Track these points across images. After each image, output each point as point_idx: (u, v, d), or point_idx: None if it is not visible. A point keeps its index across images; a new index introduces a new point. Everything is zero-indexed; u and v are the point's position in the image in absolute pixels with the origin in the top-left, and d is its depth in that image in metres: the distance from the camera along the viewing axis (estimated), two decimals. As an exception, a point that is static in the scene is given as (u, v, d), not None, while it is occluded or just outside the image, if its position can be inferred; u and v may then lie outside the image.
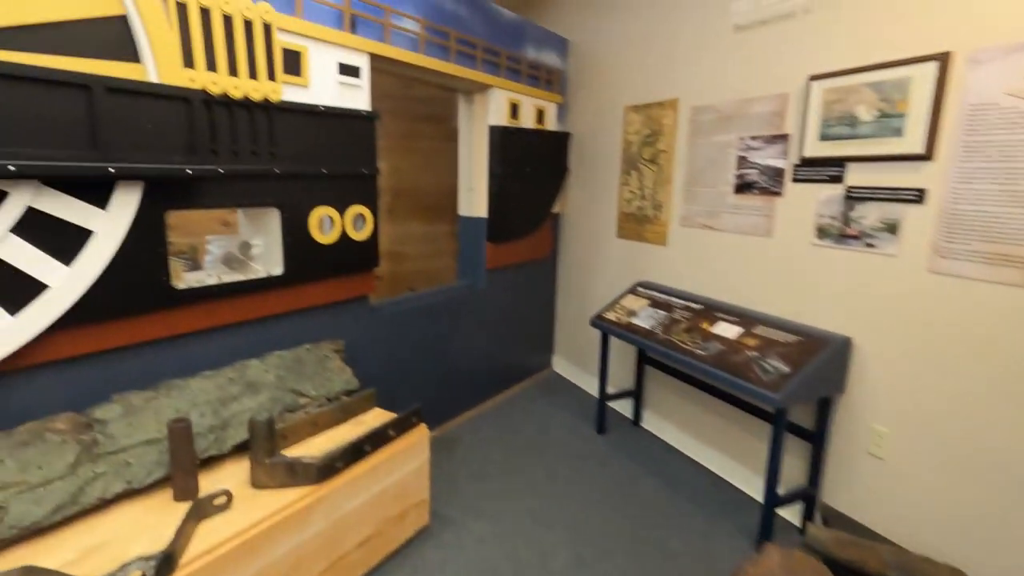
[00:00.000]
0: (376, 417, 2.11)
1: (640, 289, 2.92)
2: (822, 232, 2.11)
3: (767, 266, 2.34)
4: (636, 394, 3.08)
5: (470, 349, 3.17)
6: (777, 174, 2.26)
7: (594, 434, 3.01)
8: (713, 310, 2.49)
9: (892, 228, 1.88)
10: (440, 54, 2.56)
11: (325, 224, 2.14)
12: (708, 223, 2.61)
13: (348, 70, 2.14)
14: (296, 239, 2.04)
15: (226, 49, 1.72)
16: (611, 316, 2.81)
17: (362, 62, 2.19)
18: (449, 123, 3.92)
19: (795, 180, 2.20)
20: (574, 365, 3.74)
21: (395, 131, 3.79)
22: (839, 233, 2.05)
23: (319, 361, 2.14)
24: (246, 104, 1.81)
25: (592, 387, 3.55)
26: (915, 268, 1.83)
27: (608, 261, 3.32)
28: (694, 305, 2.58)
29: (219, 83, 1.71)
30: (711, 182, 2.58)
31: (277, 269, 2.02)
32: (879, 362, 1.96)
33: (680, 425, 2.87)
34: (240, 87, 1.77)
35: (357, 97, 2.19)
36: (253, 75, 1.81)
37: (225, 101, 1.75)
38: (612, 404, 3.34)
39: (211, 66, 1.70)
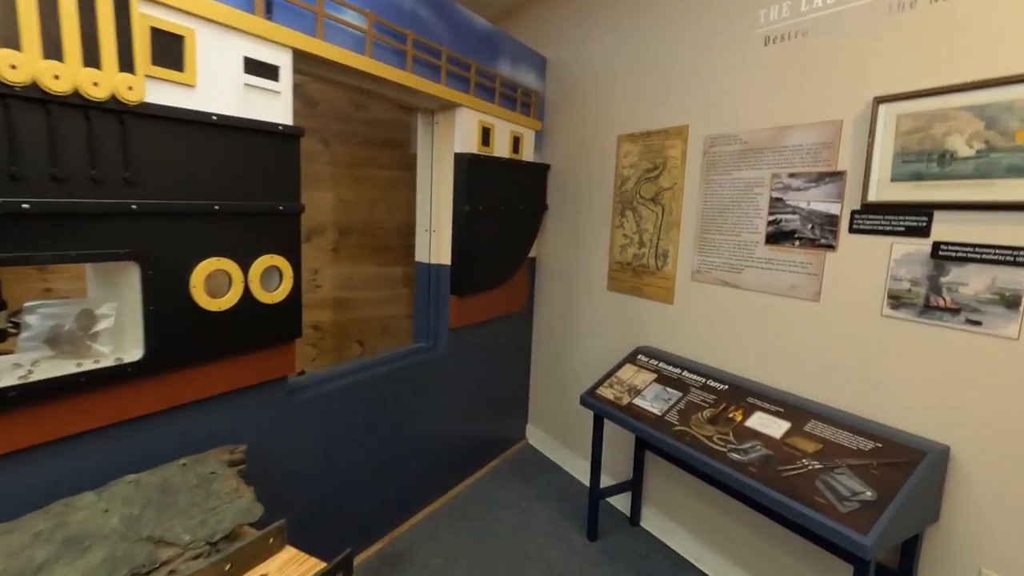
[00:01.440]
0: (286, 566, 1.43)
1: (642, 358, 2.35)
2: (897, 301, 1.59)
3: (815, 339, 1.81)
4: (635, 486, 2.47)
5: (428, 430, 2.51)
6: (829, 222, 1.75)
7: (584, 541, 2.38)
8: (743, 393, 1.93)
9: (1011, 301, 1.38)
10: (394, 60, 1.99)
11: (218, 282, 1.49)
12: (729, 279, 2.08)
13: (260, 68, 1.53)
14: (168, 306, 1.38)
15: (38, 14, 1.09)
16: (607, 393, 2.22)
17: (282, 60, 1.59)
18: (408, 149, 3.34)
19: (854, 230, 1.69)
20: (553, 438, 3.12)
21: (344, 158, 3.19)
22: (923, 304, 1.54)
23: (200, 484, 1.46)
24: (80, 104, 1.17)
25: (576, 467, 2.92)
26: (1047, 358, 1.32)
27: (596, 318, 2.75)
28: (716, 384, 2.02)
29: (22, 67, 1.07)
30: (733, 228, 2.06)
31: (135, 351, 1.36)
32: (990, 483, 1.42)
33: (692, 530, 2.27)
34: (66, 77, 1.13)
35: (273, 106, 1.57)
36: (93, 62, 1.18)
37: (38, 97, 1.12)
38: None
39: (9, 40, 1.06)
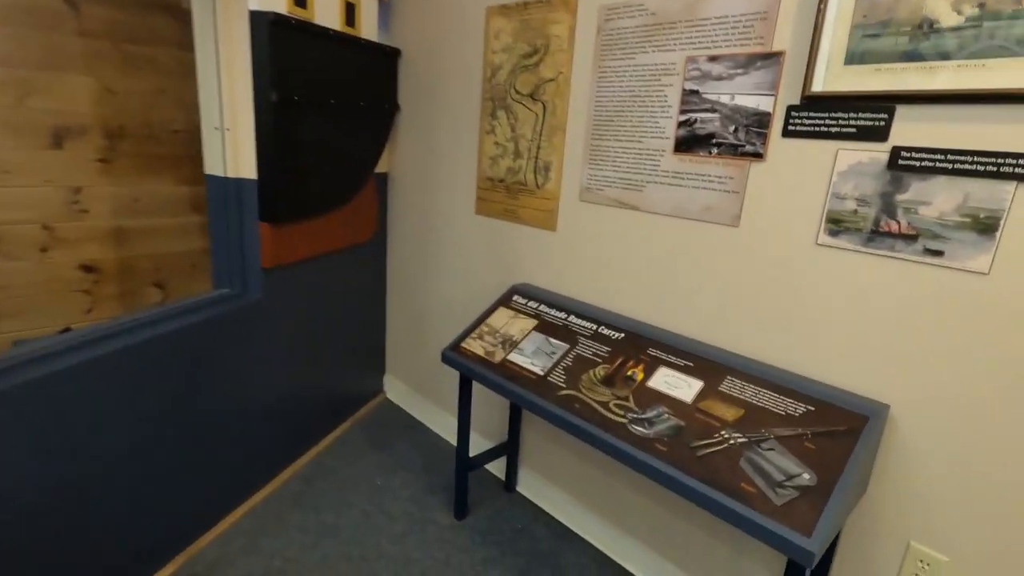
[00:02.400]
0: None
1: (518, 300, 1.88)
2: (837, 225, 1.24)
3: (731, 275, 1.45)
4: (510, 448, 2.08)
5: (243, 402, 1.87)
6: (757, 122, 1.34)
7: (452, 521, 1.96)
8: (644, 343, 1.54)
9: (984, 226, 1.07)
10: None
11: None
12: (626, 199, 1.64)
13: None
14: None
15: None
16: (476, 347, 1.74)
17: None
18: (196, 17, 2.40)
19: (790, 133, 1.29)
20: (416, 392, 2.63)
21: (104, 26, 2.19)
22: (871, 228, 1.20)
23: None
24: None
25: (443, 425, 2.48)
26: (1019, 295, 1.04)
27: (463, 249, 2.22)
28: (611, 333, 1.62)
29: None
30: (633, 133, 1.59)
31: None
32: (932, 448, 1.18)
33: (575, 494, 1.95)
34: None
35: None
36: None
37: None
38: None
39: None
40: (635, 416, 1.35)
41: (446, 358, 1.76)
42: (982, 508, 1.13)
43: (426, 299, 2.45)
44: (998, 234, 1.05)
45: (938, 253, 1.12)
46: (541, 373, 1.56)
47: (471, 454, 1.93)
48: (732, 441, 1.22)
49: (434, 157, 2.27)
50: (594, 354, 1.56)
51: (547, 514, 2.03)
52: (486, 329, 1.80)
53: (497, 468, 2.23)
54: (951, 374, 1.13)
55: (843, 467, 1.10)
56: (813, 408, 1.22)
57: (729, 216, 1.42)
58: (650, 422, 1.32)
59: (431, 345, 2.47)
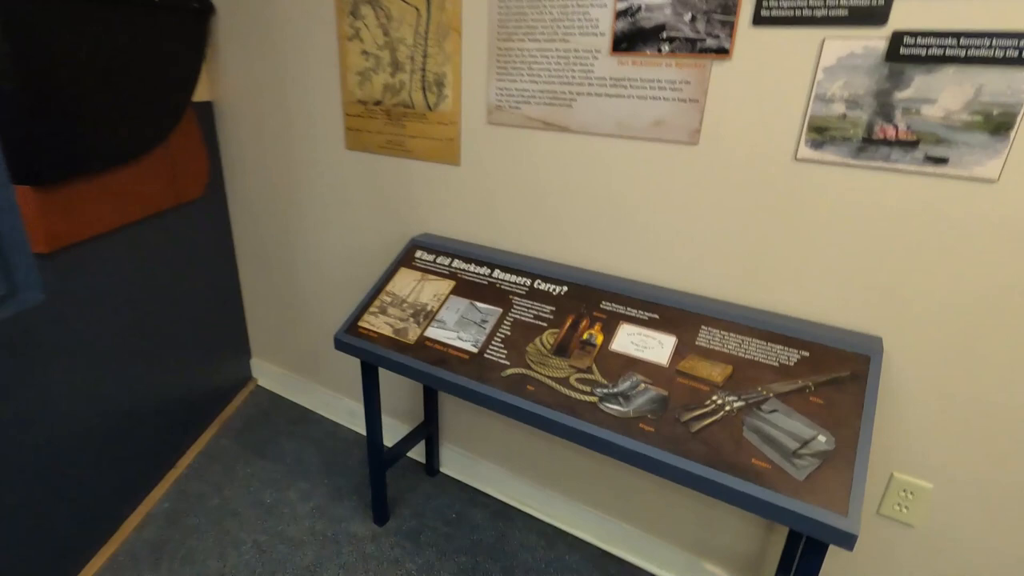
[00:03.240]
0: None
1: (423, 256, 1.49)
2: (822, 135, 1.04)
3: (691, 203, 1.21)
4: (429, 427, 1.77)
5: (51, 444, 1.31)
6: (721, 7, 1.06)
7: (372, 529, 1.63)
8: (594, 296, 1.27)
9: (997, 124, 0.91)
10: None
11: None
12: (551, 118, 1.30)
13: None
14: None
15: None
16: (379, 325, 1.35)
17: None
18: None
19: (763, 20, 1.03)
20: (296, 373, 2.16)
21: None
22: (863, 136, 1.01)
23: None
24: None
25: (338, 409, 2.08)
26: (1028, 204, 0.92)
27: (336, 196, 1.74)
28: (550, 287, 1.32)
29: None
30: (555, 29, 1.23)
31: None
32: (922, 381, 1.08)
33: (511, 465, 1.72)
34: None
35: None
36: None
37: None
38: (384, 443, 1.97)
39: None
40: (605, 391, 1.09)
41: (342, 344, 1.35)
42: (967, 432, 1.06)
43: (294, 265, 1.95)
44: (1013, 133, 0.91)
45: (941, 161, 0.96)
46: (474, 349, 1.24)
47: (386, 445, 1.58)
48: (727, 407, 1.02)
49: (278, 76, 1.70)
50: (536, 317, 1.26)
51: (481, 493, 1.78)
52: (388, 299, 1.41)
53: (416, 451, 1.92)
54: (946, 297, 1.02)
55: (859, 421, 0.95)
56: (808, 354, 1.06)
57: (686, 132, 1.16)
58: (625, 396, 1.08)
59: (310, 317, 2.00)
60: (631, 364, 1.12)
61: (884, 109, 0.98)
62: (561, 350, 1.18)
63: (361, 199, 1.69)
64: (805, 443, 0.94)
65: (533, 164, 1.36)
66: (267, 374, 2.24)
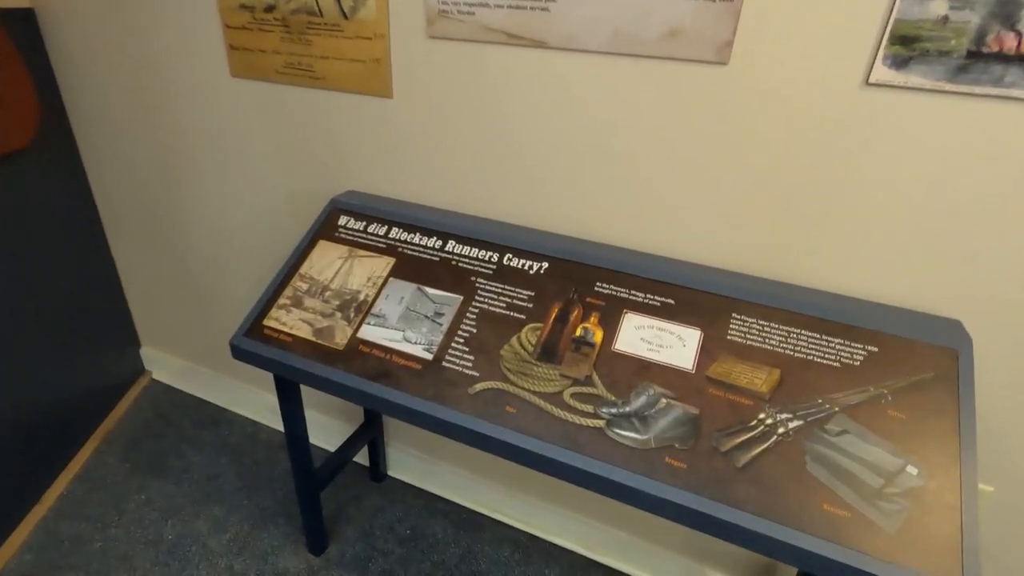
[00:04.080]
0: None
1: (349, 225, 1.11)
2: (909, 47, 0.74)
3: (721, 150, 0.89)
4: (370, 427, 1.44)
5: None
6: None
7: (308, 561, 1.33)
8: (588, 274, 0.96)
9: None
10: None
11: None
12: (521, 28, 0.93)
13: None
14: None
15: None
16: (291, 324, 0.99)
17: None
18: None
19: None
20: (202, 364, 1.76)
21: None
22: (968, 50, 0.72)
23: None
24: None
25: (258, 404, 1.71)
26: None
27: (224, 143, 1.30)
28: (527, 263, 0.99)
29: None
30: None
31: None
32: (1000, 368, 0.86)
33: (468, 464, 1.44)
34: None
35: None
36: None
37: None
38: (313, 442, 1.64)
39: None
40: (614, 411, 0.81)
41: (243, 353, 0.98)
42: (1047, 427, 0.87)
43: (184, 233, 1.50)
44: None
45: (1077, 83, 0.69)
46: (428, 355, 0.91)
47: (319, 460, 1.25)
48: (781, 428, 0.76)
49: (121, -31, 1.20)
50: (510, 306, 0.94)
51: (439, 499, 1.50)
52: (304, 286, 1.04)
53: (359, 455, 1.60)
54: (1054, 268, 0.78)
55: (956, 440, 0.71)
56: (876, 349, 0.80)
57: (712, 45, 0.83)
58: (642, 418, 0.79)
59: (212, 298, 1.59)
60: (644, 370, 0.84)
61: (1005, 9, 0.69)
62: (548, 353, 0.88)
63: (258, 146, 1.26)
64: (888, 476, 0.70)
65: (495, 95, 0.99)
66: (164, 366, 1.82)
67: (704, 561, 1.26)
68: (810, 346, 0.82)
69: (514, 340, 0.90)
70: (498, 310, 0.94)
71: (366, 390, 0.88)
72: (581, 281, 0.94)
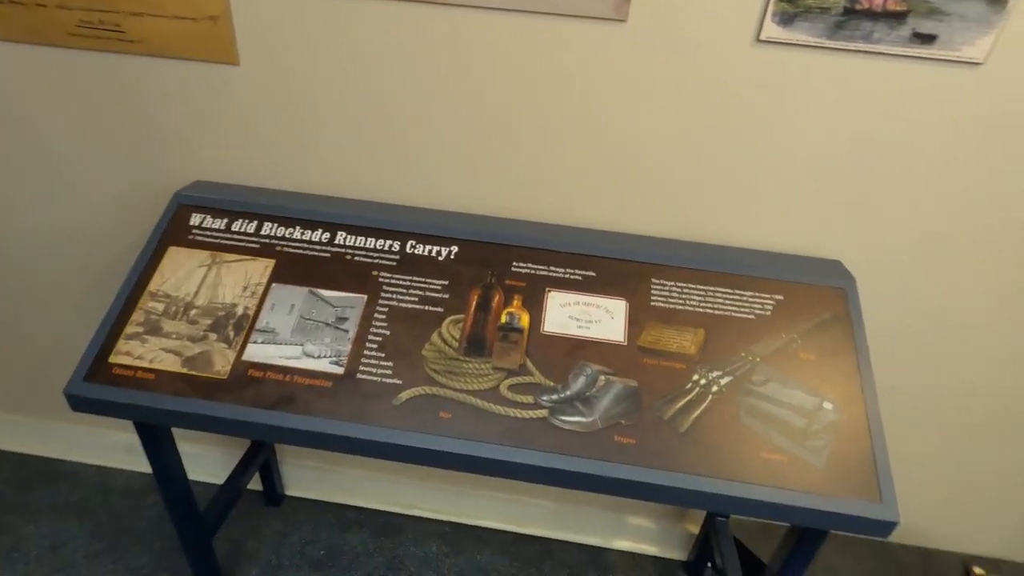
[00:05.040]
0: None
1: (206, 224, 0.91)
2: (792, 3, 0.76)
3: (622, 110, 0.86)
4: (259, 448, 1.26)
5: None
6: None
7: (209, 616, 1.15)
8: (503, 255, 0.89)
9: (1001, -13, 0.73)
10: None
11: None
12: (391, -20, 0.80)
13: None
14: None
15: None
16: (151, 356, 0.79)
17: None
18: None
19: None
20: (11, 411, 1.40)
21: None
22: (845, 6, 0.75)
23: None
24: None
25: (103, 446, 1.42)
26: (1015, 89, 0.78)
27: (7, 134, 0.99)
28: (434, 249, 0.89)
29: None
30: None
31: None
32: (889, 302, 0.97)
33: (375, 465, 1.35)
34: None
35: None
36: None
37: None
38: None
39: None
40: (556, 397, 0.77)
41: (83, 402, 0.77)
42: (916, 355, 1.01)
43: (-51, 250, 1.14)
44: (1009, 4, 0.73)
45: (928, 39, 0.77)
46: (338, 369, 0.79)
47: (204, 500, 1.07)
48: (714, 387, 0.78)
49: None
50: (423, 299, 0.85)
51: (350, 508, 1.38)
52: (157, 306, 0.84)
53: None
54: (911, 208, 0.88)
55: (858, 374, 0.79)
56: (782, 297, 0.85)
57: (611, 1, 0.79)
58: (585, 400, 0.77)
59: (27, 332, 1.25)
60: (578, 349, 0.81)
61: (874, -33, 0.73)
62: (475, 346, 0.81)
63: (60, 136, 0.98)
64: (811, 416, 0.76)
65: (369, 57, 0.86)
66: (-45, 422, 1.42)
67: (624, 511, 1.32)
68: (726, 302, 0.85)
69: (435, 337, 0.81)
70: (411, 306, 0.84)
71: (267, 422, 0.74)
72: (497, 263, 0.88)
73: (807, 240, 0.93)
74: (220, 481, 1.32)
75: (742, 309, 0.84)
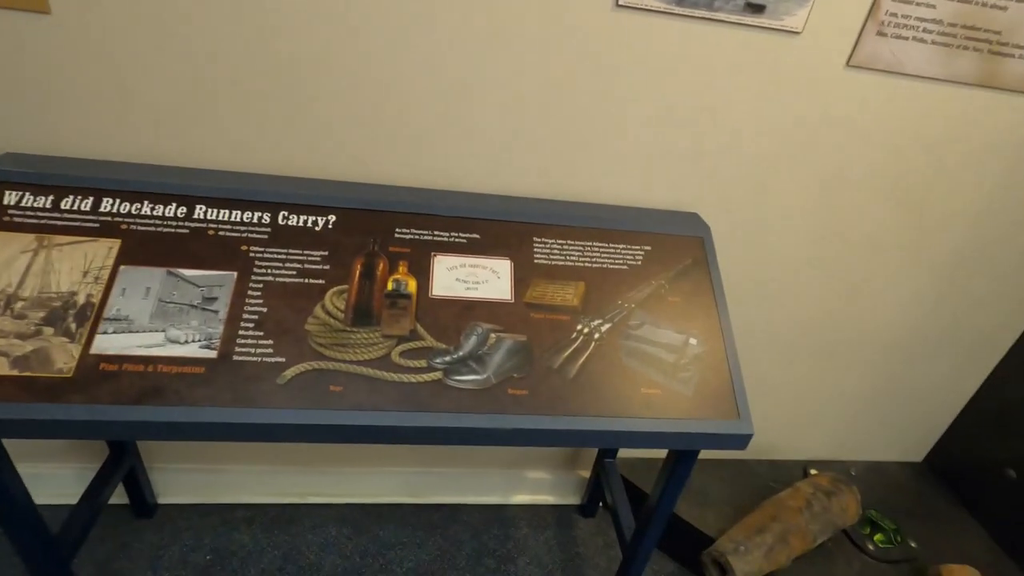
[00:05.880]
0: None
1: (25, 203, 0.77)
2: (646, -30, 0.81)
3: (490, 73, 0.87)
4: (120, 458, 1.13)
5: None
6: None
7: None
8: (382, 221, 0.86)
9: (812, -36, 0.83)
10: None
11: None
12: (235, -78, 0.73)
13: None
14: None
15: None
16: (-25, 358, 0.67)
17: None
18: None
19: None
20: None
21: None
22: (689, -26, 0.82)
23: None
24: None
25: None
26: (826, 56, 0.91)
27: None
28: (308, 220, 0.84)
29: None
30: None
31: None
32: (733, 243, 1.09)
33: (283, 458, 1.28)
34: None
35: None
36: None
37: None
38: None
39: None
40: (449, 359, 0.77)
41: None
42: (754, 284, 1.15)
43: None
44: (819, -22, 0.85)
45: (759, 8, 0.86)
46: (211, 353, 0.72)
47: (56, 524, 0.94)
48: (596, 334, 0.83)
49: None
50: (302, 272, 0.80)
51: (238, 507, 1.29)
52: (-29, 300, 0.70)
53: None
54: (751, 165, 1.00)
55: (716, 312, 0.89)
56: (650, 247, 0.93)
57: (476, -40, 0.78)
58: (478, 358, 0.78)
59: None
60: (468, 311, 0.82)
61: (712, -61, 0.80)
62: (363, 316, 0.78)
63: None
64: (681, 351, 0.84)
65: (213, 3, 0.78)
66: None
67: (520, 467, 1.38)
68: (602, 255, 0.90)
69: (318, 310, 0.78)
70: (289, 280, 0.79)
71: (132, 418, 0.67)
72: (378, 230, 0.85)
73: (669, 195, 1.01)
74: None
75: (616, 261, 0.90)
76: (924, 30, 0.89)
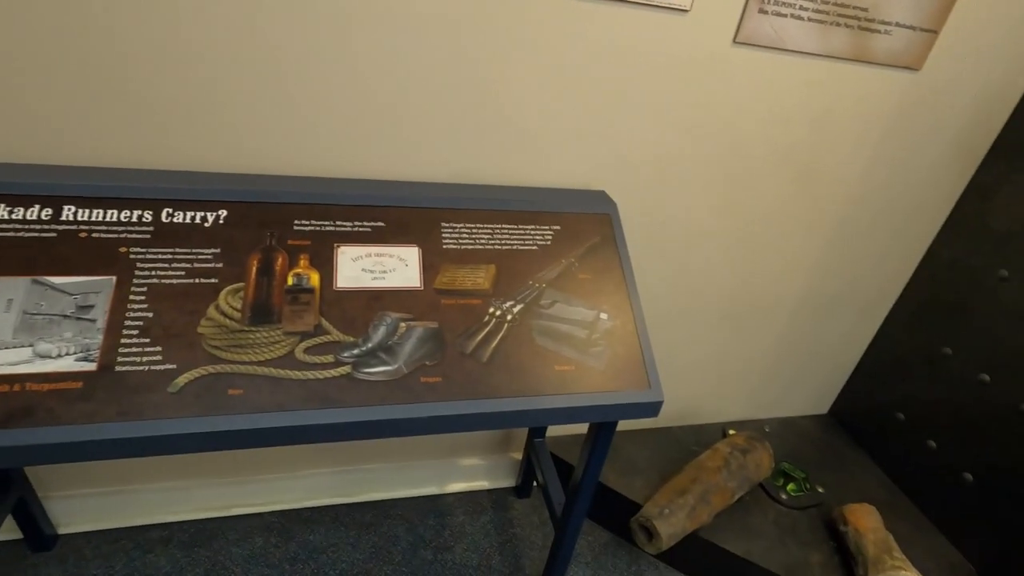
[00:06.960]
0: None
1: None
2: (535, -52, 0.81)
3: (393, 55, 0.84)
4: (9, 488, 1.03)
5: None
6: None
7: None
8: (276, 213, 0.82)
9: (694, -57, 0.85)
10: None
11: None
12: None
13: None
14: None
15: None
16: None
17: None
18: None
19: None
20: None
21: None
22: (578, -48, 0.82)
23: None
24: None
25: None
26: (713, 33, 0.95)
27: None
28: (196, 216, 0.79)
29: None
30: None
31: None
32: (634, 215, 1.12)
33: (198, 469, 1.21)
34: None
35: None
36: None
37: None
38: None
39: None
40: (357, 352, 0.75)
41: None
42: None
43: None
44: (702, -44, 0.87)
45: (648, -13, 0.88)
46: (90, 366, 0.66)
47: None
48: (509, 316, 0.83)
49: None
50: (191, 272, 0.75)
51: (150, 528, 1.21)
52: None
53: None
54: (649, 142, 1.02)
55: (625, 286, 0.91)
56: (559, 227, 0.94)
57: (358, -65, 0.75)
58: (387, 349, 0.76)
59: None
60: (376, 301, 0.79)
61: (597, -83, 0.81)
62: (262, 313, 0.74)
63: None
64: (592, 327, 0.86)
65: (72, -10, 0.70)
66: None
67: (452, 455, 1.37)
68: (512, 237, 0.90)
69: (212, 311, 0.73)
70: (176, 281, 0.73)
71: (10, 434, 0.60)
72: (275, 223, 0.81)
73: (576, 175, 1.02)
74: (-45, 540, 1.05)
75: (526, 242, 0.90)
76: (800, 7, 0.94)
